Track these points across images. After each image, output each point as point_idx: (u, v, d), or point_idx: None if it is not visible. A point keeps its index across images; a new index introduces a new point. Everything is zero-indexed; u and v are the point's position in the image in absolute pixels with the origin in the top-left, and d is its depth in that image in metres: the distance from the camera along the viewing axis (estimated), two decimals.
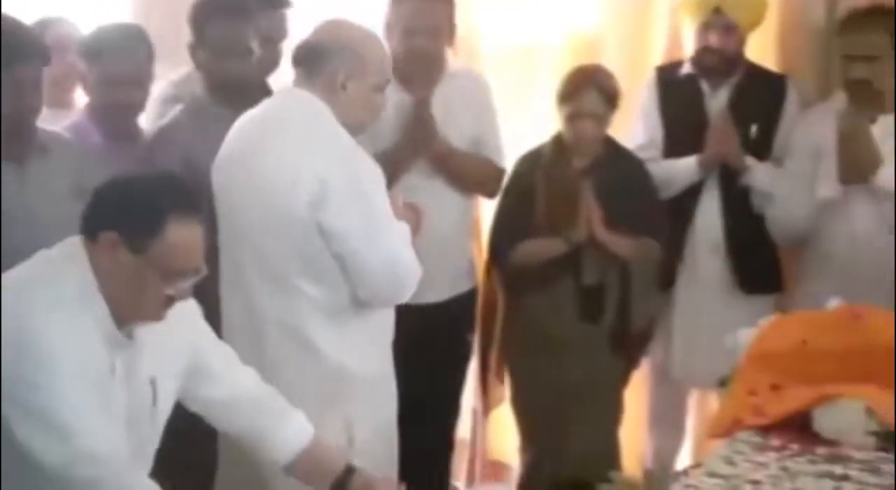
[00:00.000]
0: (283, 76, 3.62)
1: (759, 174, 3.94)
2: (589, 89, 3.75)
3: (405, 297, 3.05)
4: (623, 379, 3.95)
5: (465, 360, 4.03)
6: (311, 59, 2.99)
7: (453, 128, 3.81)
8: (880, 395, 2.75)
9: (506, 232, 3.86)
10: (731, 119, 3.93)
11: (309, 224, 2.89)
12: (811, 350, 2.98)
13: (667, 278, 4.01)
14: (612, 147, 3.87)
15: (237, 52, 3.44)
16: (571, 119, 3.77)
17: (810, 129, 3.88)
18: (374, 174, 2.96)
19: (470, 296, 3.98)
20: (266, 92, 3.51)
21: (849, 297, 3.20)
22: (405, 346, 3.20)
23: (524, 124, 4.15)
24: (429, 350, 3.66)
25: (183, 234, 2.33)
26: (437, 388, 3.87)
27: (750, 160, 3.93)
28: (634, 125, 4.09)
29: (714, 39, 3.95)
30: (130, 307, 2.37)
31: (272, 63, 3.78)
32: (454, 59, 3.95)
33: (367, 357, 3.05)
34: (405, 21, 3.70)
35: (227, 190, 3.03)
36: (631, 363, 3.97)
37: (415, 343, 3.32)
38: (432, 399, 3.78)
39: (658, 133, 4.07)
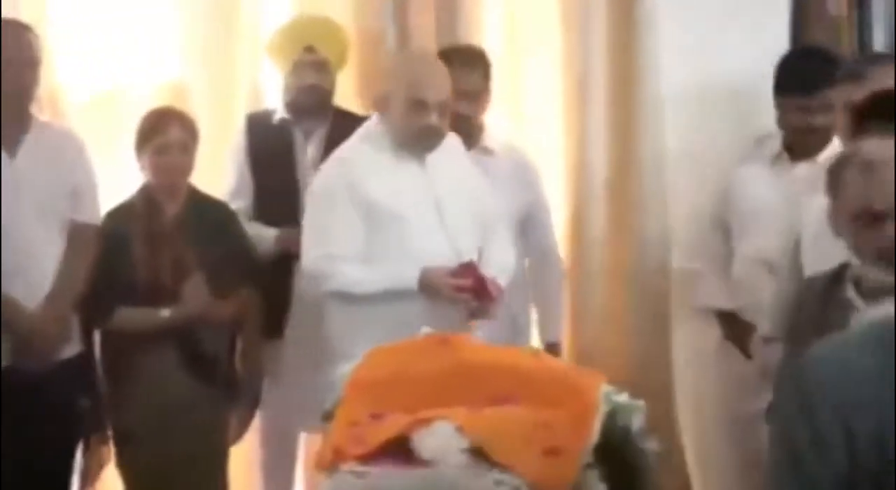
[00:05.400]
0: None
1: None
2: (173, 121, 3.76)
3: None
4: (236, 435, 3.93)
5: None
6: None
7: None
8: (469, 415, 2.87)
9: (104, 295, 3.74)
10: None
11: None
12: (407, 377, 3.07)
13: (276, 328, 4.01)
14: (200, 197, 3.87)
15: None
16: (159, 152, 3.73)
17: None
18: None
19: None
20: None
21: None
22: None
23: (113, 177, 4.02)
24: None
25: None
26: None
27: None
28: (224, 173, 4.10)
29: (308, 77, 4.00)
30: None
31: None
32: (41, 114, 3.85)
33: None
34: None
35: None
36: (246, 418, 3.95)
37: None
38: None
39: (247, 181, 4.08)
